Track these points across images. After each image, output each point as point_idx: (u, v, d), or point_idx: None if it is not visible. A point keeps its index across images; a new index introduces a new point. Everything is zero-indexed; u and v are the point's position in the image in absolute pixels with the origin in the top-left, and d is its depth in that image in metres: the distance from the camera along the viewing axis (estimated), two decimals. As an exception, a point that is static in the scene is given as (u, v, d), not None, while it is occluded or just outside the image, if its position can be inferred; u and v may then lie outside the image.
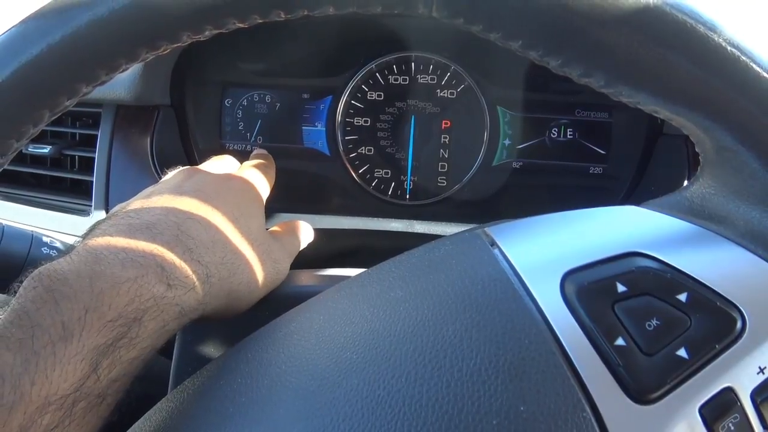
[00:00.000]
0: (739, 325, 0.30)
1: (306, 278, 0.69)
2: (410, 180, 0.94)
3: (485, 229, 0.38)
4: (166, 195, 0.50)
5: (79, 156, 0.89)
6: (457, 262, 0.36)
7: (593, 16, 0.30)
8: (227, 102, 0.96)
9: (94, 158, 0.85)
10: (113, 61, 0.33)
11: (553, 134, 0.92)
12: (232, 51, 0.94)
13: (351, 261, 0.83)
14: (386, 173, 0.94)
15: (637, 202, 0.91)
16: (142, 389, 0.43)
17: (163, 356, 0.65)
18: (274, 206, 0.85)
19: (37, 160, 0.91)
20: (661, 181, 0.84)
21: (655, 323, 0.30)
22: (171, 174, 0.61)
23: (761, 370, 0.29)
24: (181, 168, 0.62)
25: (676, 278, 0.31)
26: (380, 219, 0.81)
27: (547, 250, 0.35)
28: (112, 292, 0.39)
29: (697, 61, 0.30)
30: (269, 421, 0.32)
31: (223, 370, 0.39)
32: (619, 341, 0.29)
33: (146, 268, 0.42)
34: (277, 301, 0.58)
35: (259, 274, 0.52)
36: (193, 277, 0.44)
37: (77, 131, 0.90)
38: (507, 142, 0.92)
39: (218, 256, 0.47)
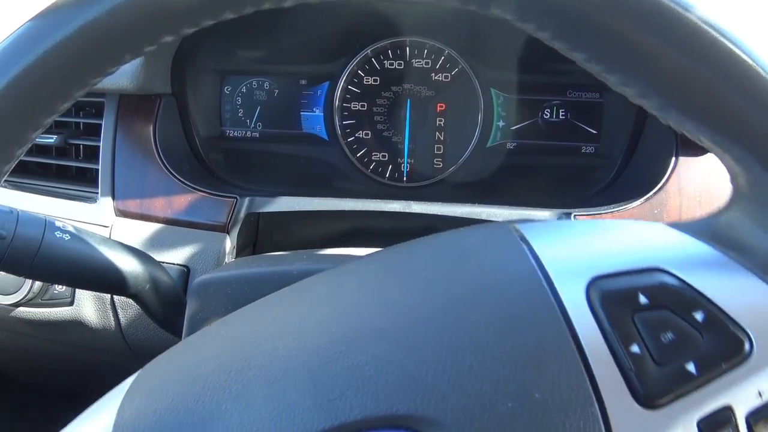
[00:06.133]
0: (746, 348, 0.32)
1: (308, 258, 0.71)
2: (407, 162, 0.96)
3: (515, 225, 0.40)
4: None
5: (84, 145, 0.91)
6: (489, 253, 0.37)
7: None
8: (226, 89, 0.98)
9: (98, 147, 0.87)
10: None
11: (546, 115, 0.94)
12: (231, 39, 0.95)
13: (351, 242, 0.86)
14: (384, 156, 0.96)
15: (628, 180, 0.92)
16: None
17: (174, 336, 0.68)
18: (276, 190, 0.88)
19: (43, 150, 0.93)
20: (651, 158, 0.86)
21: (669, 336, 0.32)
22: None
23: (760, 394, 0.32)
24: None
25: (694, 298, 0.33)
26: (379, 201, 0.83)
27: (577, 254, 0.36)
28: None
29: (745, 94, 0.31)
30: (280, 384, 0.34)
31: (242, 320, 0.41)
32: (634, 348, 0.31)
33: None
34: (279, 279, 0.60)
35: None
36: None
37: (81, 120, 0.92)
38: (501, 123, 0.94)
39: None
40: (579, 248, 0.37)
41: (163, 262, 0.77)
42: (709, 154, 0.80)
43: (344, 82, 0.95)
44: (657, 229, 0.37)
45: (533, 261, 0.35)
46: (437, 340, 0.33)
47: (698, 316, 0.32)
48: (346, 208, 0.83)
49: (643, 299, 0.33)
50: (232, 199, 0.82)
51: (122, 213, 0.84)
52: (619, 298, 0.33)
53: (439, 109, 0.95)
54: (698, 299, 0.33)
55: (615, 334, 0.32)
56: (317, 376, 0.33)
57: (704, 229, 0.37)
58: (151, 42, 0.35)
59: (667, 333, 0.32)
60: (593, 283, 0.33)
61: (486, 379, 0.31)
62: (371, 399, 0.31)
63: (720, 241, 0.36)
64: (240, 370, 0.35)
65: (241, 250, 0.83)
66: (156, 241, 0.81)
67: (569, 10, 0.32)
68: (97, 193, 0.86)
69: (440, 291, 0.35)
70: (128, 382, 0.40)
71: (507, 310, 0.33)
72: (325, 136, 0.97)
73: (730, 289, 0.33)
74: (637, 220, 0.39)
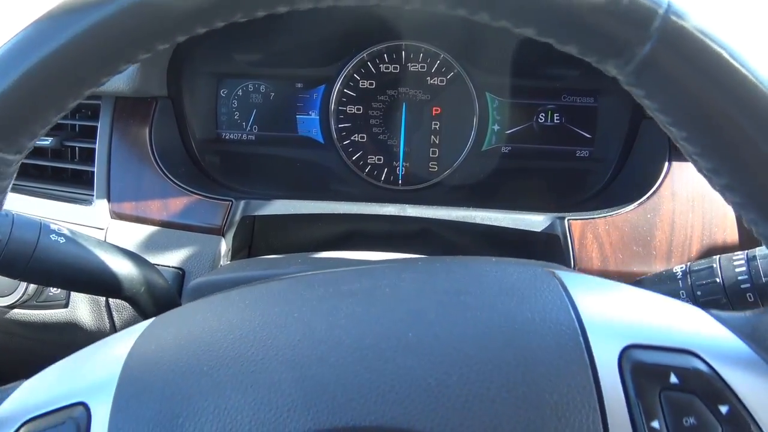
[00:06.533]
0: None
1: (303, 261, 0.72)
2: (402, 166, 0.96)
3: (555, 271, 0.41)
4: None
5: (79, 147, 0.92)
6: (530, 294, 0.38)
7: None
8: (222, 92, 0.98)
9: (94, 149, 0.87)
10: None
11: (541, 119, 0.95)
12: (227, 42, 0.96)
13: (346, 245, 0.86)
14: (379, 159, 0.97)
15: (622, 184, 0.92)
16: None
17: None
18: (271, 193, 0.88)
19: (39, 152, 0.93)
20: (644, 162, 0.86)
21: (691, 421, 0.33)
22: None
23: None
24: None
25: (723, 390, 0.34)
26: (374, 204, 0.84)
27: (615, 316, 0.37)
28: None
29: None
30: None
31: (271, 293, 0.41)
32: (655, 423, 0.32)
33: None
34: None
35: None
36: None
37: (77, 123, 0.92)
38: (496, 127, 0.95)
39: None
40: (618, 311, 0.37)
41: (158, 265, 0.77)
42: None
43: (340, 85, 0.95)
44: (697, 314, 0.38)
45: (573, 313, 0.36)
46: (467, 366, 0.33)
47: (723, 408, 0.33)
48: (342, 212, 0.83)
49: (674, 379, 0.33)
50: (228, 202, 0.82)
51: (118, 215, 0.84)
52: (651, 372, 0.33)
53: (434, 112, 0.95)
54: (726, 393, 0.33)
55: (639, 406, 0.33)
56: (342, 371, 0.33)
57: (743, 325, 0.38)
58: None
59: (690, 417, 0.33)
60: (628, 350, 0.34)
61: (507, 417, 0.32)
62: (389, 409, 0.32)
63: (757, 341, 0.36)
64: (263, 347, 0.35)
65: (236, 253, 0.83)
66: (151, 244, 0.81)
67: (685, 93, 0.33)
68: (93, 195, 0.86)
69: (477, 319, 0.36)
70: (146, 323, 0.40)
71: (540, 355, 0.34)
72: (321, 139, 0.97)
73: (758, 391, 0.34)
74: (677, 301, 0.39)
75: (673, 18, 0.31)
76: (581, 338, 0.34)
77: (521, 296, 0.38)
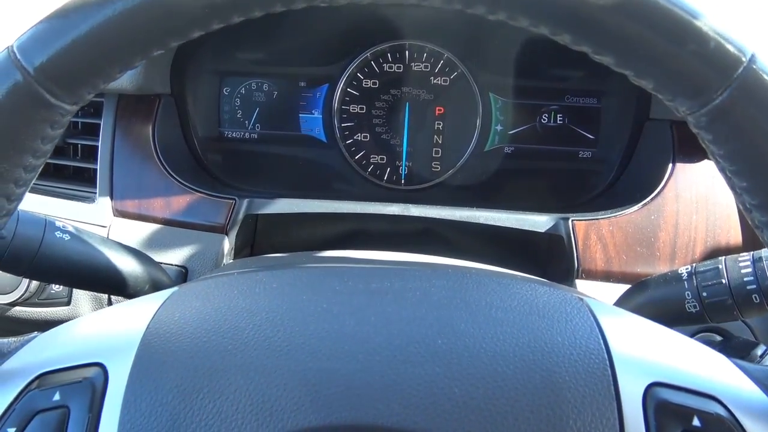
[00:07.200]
0: None
1: (306, 260, 0.71)
2: (405, 165, 0.96)
3: (584, 298, 0.41)
4: None
5: (82, 144, 0.91)
6: (560, 318, 0.38)
7: None
8: (225, 90, 0.98)
9: (97, 146, 0.87)
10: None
11: (544, 120, 0.95)
12: (230, 41, 0.95)
13: (349, 244, 0.86)
14: (382, 159, 0.97)
15: (626, 185, 0.92)
16: None
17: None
18: (273, 192, 0.88)
19: (40, 149, 0.93)
20: (648, 163, 0.86)
21: None
22: None
23: None
24: None
25: None
26: (377, 203, 0.84)
27: (644, 352, 0.37)
28: None
29: None
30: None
31: (300, 280, 0.41)
32: None
33: None
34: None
35: None
36: None
37: (79, 120, 0.92)
38: (499, 127, 0.95)
39: None
40: (646, 347, 0.38)
41: (161, 263, 0.76)
42: (706, 160, 0.80)
43: (343, 84, 0.95)
44: (722, 361, 0.38)
45: (602, 343, 0.36)
46: (494, 381, 0.33)
47: None
48: (344, 211, 0.83)
49: (697, 422, 0.33)
50: (231, 201, 0.82)
51: (120, 213, 0.84)
52: (675, 412, 0.34)
53: (437, 112, 0.95)
54: None
55: None
56: (368, 369, 0.33)
57: (767, 378, 0.38)
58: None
59: None
60: (653, 387, 0.34)
61: None
62: (411, 413, 0.32)
63: None
64: (290, 334, 0.35)
65: (238, 252, 0.83)
66: (154, 242, 0.81)
67: (755, 145, 0.33)
68: (95, 193, 0.85)
69: (508, 336, 0.36)
70: (169, 291, 0.40)
71: (567, 380, 0.34)
72: (324, 139, 0.97)
73: None
74: (703, 345, 0.40)
75: (756, 68, 0.31)
76: (609, 369, 0.35)
77: (551, 319, 0.38)
